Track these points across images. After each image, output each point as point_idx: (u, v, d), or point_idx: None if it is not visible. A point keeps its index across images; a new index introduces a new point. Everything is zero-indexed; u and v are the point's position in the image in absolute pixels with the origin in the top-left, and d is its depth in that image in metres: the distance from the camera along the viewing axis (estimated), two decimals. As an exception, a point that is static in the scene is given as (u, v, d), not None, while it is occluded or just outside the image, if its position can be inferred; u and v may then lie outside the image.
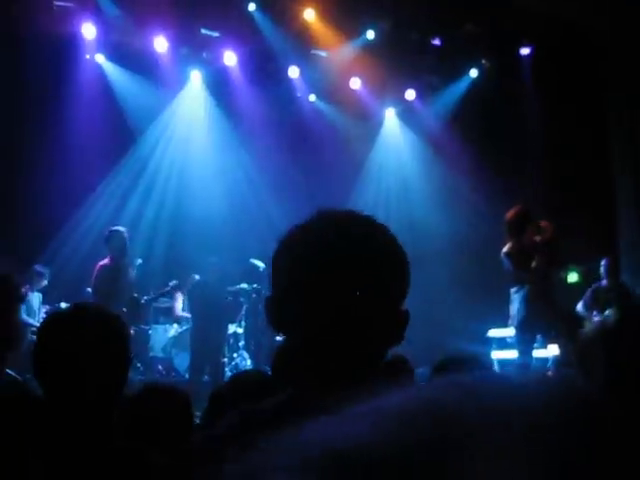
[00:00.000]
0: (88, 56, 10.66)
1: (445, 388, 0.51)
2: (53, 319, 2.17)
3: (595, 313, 8.25)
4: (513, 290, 7.23)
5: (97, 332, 2.04)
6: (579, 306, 8.54)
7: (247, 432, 1.18)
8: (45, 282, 9.21)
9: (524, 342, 7.15)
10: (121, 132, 10.96)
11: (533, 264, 7.06)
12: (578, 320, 8.21)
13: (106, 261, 8.25)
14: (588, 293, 8.57)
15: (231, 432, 1.23)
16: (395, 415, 0.49)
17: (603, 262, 8.61)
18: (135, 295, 8.54)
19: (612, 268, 8.62)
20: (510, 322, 7.36)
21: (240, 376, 3.10)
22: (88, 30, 10.19)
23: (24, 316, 8.67)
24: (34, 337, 2.42)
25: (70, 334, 2.02)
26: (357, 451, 0.46)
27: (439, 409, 0.48)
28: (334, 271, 1.24)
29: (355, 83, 11.82)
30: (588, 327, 7.56)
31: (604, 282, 8.56)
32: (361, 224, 1.33)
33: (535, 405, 0.50)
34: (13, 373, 5.39)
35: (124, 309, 7.90)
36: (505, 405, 0.49)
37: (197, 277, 9.59)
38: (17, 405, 2.16)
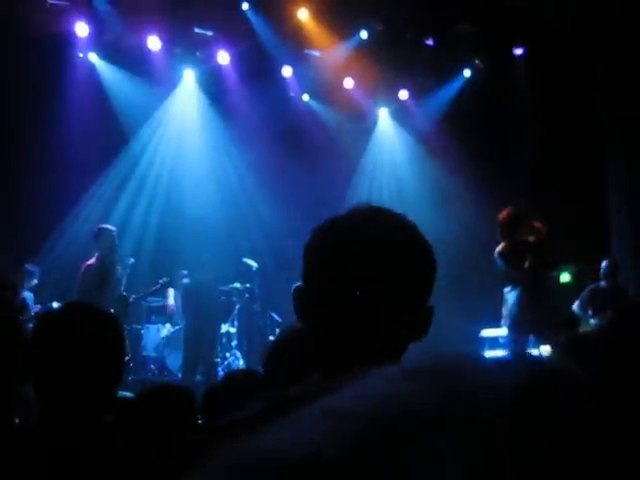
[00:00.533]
0: (81, 54, 10.63)
1: (396, 382, 0.51)
2: (46, 319, 2.15)
3: (590, 314, 8.26)
4: (506, 290, 7.25)
5: (91, 331, 2.03)
6: (575, 306, 8.53)
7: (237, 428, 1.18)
8: (35, 281, 9.17)
9: (517, 342, 7.17)
10: (114, 131, 10.93)
11: (526, 264, 7.08)
12: (573, 320, 8.21)
13: (92, 261, 8.24)
14: (585, 293, 8.53)
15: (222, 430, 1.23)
16: (339, 415, 0.49)
17: (603, 263, 8.59)
18: (124, 294, 8.50)
19: (612, 270, 8.58)
20: (503, 322, 7.37)
21: (233, 375, 3.11)
22: (81, 28, 10.15)
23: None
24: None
25: (64, 334, 2.01)
26: (276, 457, 0.46)
27: (379, 412, 0.48)
28: (362, 264, 1.28)
29: (348, 83, 11.81)
30: (585, 327, 7.60)
31: (602, 283, 8.53)
32: (392, 220, 1.36)
33: (494, 391, 0.50)
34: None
35: (112, 309, 7.88)
36: (456, 402, 0.49)
37: (185, 272, 9.56)
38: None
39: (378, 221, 1.34)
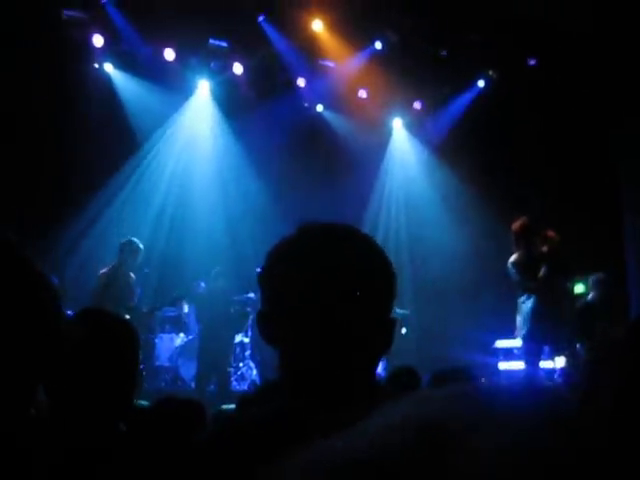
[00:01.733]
0: (97, 65, 10.71)
1: (431, 400, 0.54)
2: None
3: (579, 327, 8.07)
4: (520, 300, 7.22)
5: (105, 336, 2.04)
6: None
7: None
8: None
9: (531, 353, 7.13)
10: (128, 141, 11.00)
11: (540, 274, 7.05)
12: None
13: (105, 270, 8.33)
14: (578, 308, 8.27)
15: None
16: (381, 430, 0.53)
17: (592, 278, 8.33)
18: (135, 303, 8.53)
19: (601, 284, 8.30)
20: (517, 333, 7.34)
21: (271, 383, 3.13)
22: (97, 39, 10.24)
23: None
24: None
25: (77, 340, 2.02)
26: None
27: (423, 421, 0.51)
28: (321, 283, 1.25)
29: (362, 94, 11.84)
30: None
31: (591, 297, 8.27)
32: (346, 235, 1.35)
33: (516, 419, 0.52)
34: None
35: (127, 316, 7.91)
36: (487, 415, 0.52)
37: (202, 284, 9.60)
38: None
39: (328, 238, 1.33)
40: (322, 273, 1.26)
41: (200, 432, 2.71)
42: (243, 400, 2.75)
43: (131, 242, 8.46)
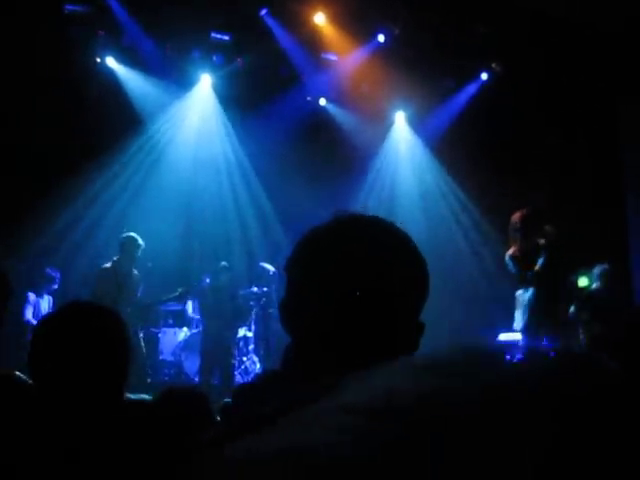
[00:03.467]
0: (99, 59, 10.70)
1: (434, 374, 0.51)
2: (48, 317, 2.17)
3: (587, 318, 8.08)
4: (518, 293, 7.21)
5: (91, 328, 2.04)
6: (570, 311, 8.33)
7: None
8: (55, 285, 9.24)
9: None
10: (131, 136, 11.01)
11: (537, 267, 7.04)
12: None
13: (107, 265, 8.42)
14: (580, 298, 8.30)
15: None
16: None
17: (597, 269, 8.36)
18: (138, 297, 8.59)
19: (606, 275, 8.33)
20: (515, 325, 7.32)
21: (263, 375, 3.12)
22: (98, 33, 10.23)
23: (28, 317, 8.74)
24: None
25: (64, 331, 2.02)
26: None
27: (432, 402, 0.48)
28: (348, 275, 1.21)
29: (365, 87, 11.80)
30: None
31: (596, 288, 8.31)
32: (379, 227, 1.30)
33: (531, 384, 0.49)
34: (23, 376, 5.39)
35: (128, 309, 7.95)
36: (499, 384, 0.49)
37: (207, 279, 9.61)
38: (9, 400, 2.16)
39: (363, 231, 1.28)
40: (351, 265, 1.22)
41: (205, 424, 2.71)
42: (241, 390, 2.74)
43: (130, 238, 8.54)
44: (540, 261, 7.04)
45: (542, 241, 7.10)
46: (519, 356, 0.56)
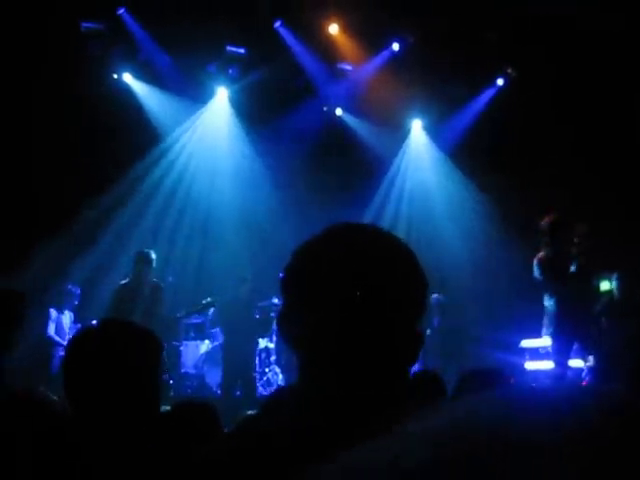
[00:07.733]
0: (115, 75, 10.78)
1: (477, 407, 0.52)
2: (82, 334, 2.17)
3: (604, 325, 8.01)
4: (546, 298, 7.13)
5: (126, 346, 2.03)
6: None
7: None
8: (76, 302, 9.30)
9: (559, 352, 7.04)
10: (149, 150, 11.08)
11: (567, 272, 6.96)
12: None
13: (124, 281, 8.45)
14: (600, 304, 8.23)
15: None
16: (430, 437, 0.51)
17: (617, 274, 8.27)
18: (162, 311, 8.60)
19: (623, 283, 8.25)
20: (544, 331, 7.26)
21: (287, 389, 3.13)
22: (115, 50, 10.32)
23: (51, 334, 8.79)
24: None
25: (99, 349, 2.01)
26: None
27: (474, 430, 0.49)
28: (346, 285, 1.20)
29: (381, 96, 11.79)
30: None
31: (615, 295, 8.22)
32: (376, 237, 1.29)
33: (569, 421, 0.49)
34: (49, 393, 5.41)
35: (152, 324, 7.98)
36: (538, 421, 0.49)
37: (228, 293, 9.64)
38: (36, 417, 2.16)
39: (362, 241, 1.27)
40: (348, 275, 1.21)
41: (214, 435, 2.71)
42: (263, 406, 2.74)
43: (136, 253, 8.56)
44: (571, 268, 6.94)
45: (574, 249, 6.99)
46: (552, 395, 0.56)
